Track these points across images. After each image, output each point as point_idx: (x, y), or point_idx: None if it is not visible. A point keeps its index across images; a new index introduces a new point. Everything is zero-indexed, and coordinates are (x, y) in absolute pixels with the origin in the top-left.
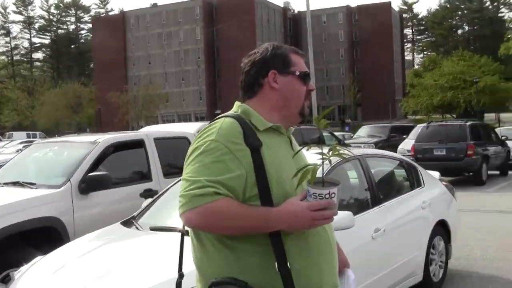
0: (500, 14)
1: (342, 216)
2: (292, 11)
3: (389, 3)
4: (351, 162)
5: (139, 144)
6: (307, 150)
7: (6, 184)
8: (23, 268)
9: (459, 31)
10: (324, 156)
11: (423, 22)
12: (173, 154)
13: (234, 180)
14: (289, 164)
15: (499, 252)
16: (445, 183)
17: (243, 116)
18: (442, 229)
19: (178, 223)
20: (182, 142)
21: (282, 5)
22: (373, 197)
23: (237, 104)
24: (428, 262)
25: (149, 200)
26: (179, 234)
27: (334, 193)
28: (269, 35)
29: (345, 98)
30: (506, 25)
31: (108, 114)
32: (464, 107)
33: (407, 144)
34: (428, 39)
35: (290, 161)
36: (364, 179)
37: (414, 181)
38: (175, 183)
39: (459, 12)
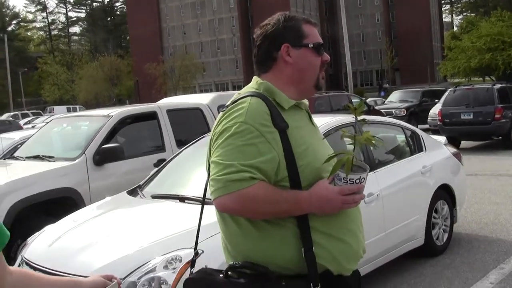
0: None
1: None
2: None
3: None
4: (347, 129)
5: (152, 116)
6: (341, 139)
7: (28, 158)
8: (35, 235)
9: None
10: (354, 141)
11: None
12: (186, 124)
13: (267, 164)
14: (314, 141)
15: None
16: (451, 148)
17: (267, 95)
18: (445, 194)
19: (180, 190)
20: (195, 113)
21: None
22: (367, 163)
23: (256, 80)
24: (430, 226)
25: (156, 169)
26: (178, 201)
27: (364, 178)
28: (303, 1)
29: (382, 62)
30: None
31: (146, 86)
32: (503, 69)
33: (437, 108)
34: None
35: (315, 137)
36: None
37: (415, 147)
38: (180, 152)
39: None
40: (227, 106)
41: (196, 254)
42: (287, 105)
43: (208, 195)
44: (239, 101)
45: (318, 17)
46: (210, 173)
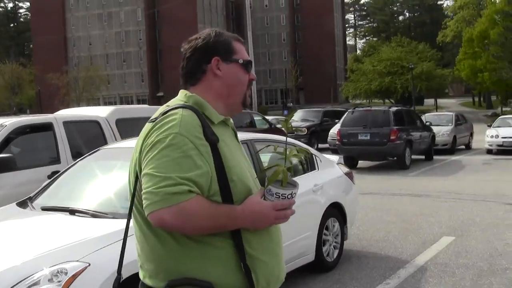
0: (439, 2)
1: None
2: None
3: None
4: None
5: (48, 127)
6: (275, 150)
7: None
8: None
9: (400, 18)
10: (284, 156)
11: (365, 8)
12: (83, 137)
13: (202, 177)
14: (241, 158)
15: (401, 234)
16: (344, 168)
17: (197, 108)
18: (337, 211)
19: (71, 203)
20: (93, 125)
21: None
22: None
23: (184, 93)
24: (321, 242)
25: (48, 181)
26: (68, 213)
27: (295, 193)
28: (210, 17)
29: (287, 81)
30: (445, 12)
31: (49, 96)
32: (401, 93)
33: (336, 128)
34: (370, 24)
35: (241, 155)
36: (251, 163)
37: (308, 165)
38: (74, 164)
39: None
40: (156, 118)
41: (121, 278)
42: (216, 120)
43: (140, 209)
44: (170, 112)
45: None
46: (144, 187)
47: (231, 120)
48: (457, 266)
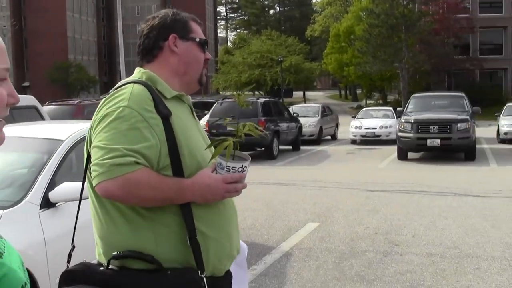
0: None
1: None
2: None
3: None
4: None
5: None
6: (225, 124)
7: None
8: None
9: (271, 11)
10: (238, 131)
11: (237, 1)
12: None
13: (150, 149)
14: (196, 133)
15: (268, 221)
16: None
17: (149, 83)
18: None
19: None
20: None
21: None
22: None
23: (139, 70)
24: None
25: None
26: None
27: (246, 166)
28: (80, 6)
29: None
30: (314, 8)
31: None
32: (271, 85)
33: (205, 119)
34: (241, 17)
35: (196, 131)
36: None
37: None
38: None
39: None
40: (109, 93)
41: (73, 248)
42: (169, 95)
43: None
44: (121, 87)
45: (96, 24)
46: (92, 159)
47: (188, 97)
48: (321, 250)
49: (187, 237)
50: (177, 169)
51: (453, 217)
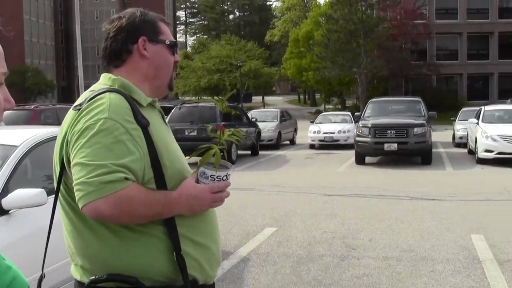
0: (268, 3)
1: (35, 193)
2: None
3: None
4: None
5: None
6: (208, 132)
7: None
8: None
9: (231, 16)
10: (219, 138)
11: (197, 6)
12: None
13: (136, 163)
14: (172, 141)
15: (226, 226)
16: None
17: (123, 91)
18: None
19: None
20: None
21: None
22: None
23: (108, 76)
24: None
25: None
26: None
27: (229, 174)
28: (37, 9)
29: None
30: (273, 13)
31: None
32: (230, 90)
33: None
34: (201, 22)
35: (171, 138)
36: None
37: None
38: None
39: None
40: (81, 104)
41: (44, 277)
42: (145, 102)
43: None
44: (97, 97)
45: (53, 27)
46: (76, 177)
47: (157, 103)
48: (278, 255)
49: (174, 253)
50: (160, 181)
51: (409, 220)
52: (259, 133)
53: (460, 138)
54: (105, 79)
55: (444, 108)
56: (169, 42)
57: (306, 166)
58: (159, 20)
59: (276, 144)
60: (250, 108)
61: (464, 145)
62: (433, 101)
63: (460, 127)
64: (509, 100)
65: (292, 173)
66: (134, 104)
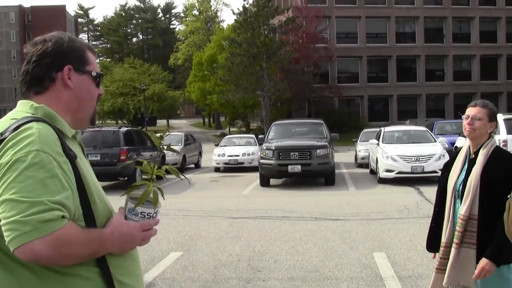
0: (171, 26)
1: None
2: None
3: (64, 7)
4: None
5: None
6: (143, 167)
7: None
8: None
9: (134, 39)
10: (151, 173)
11: (99, 28)
12: None
13: (69, 199)
14: (94, 175)
15: None
16: None
17: (48, 121)
18: None
19: None
20: None
21: None
22: None
23: (30, 104)
24: None
25: None
26: None
27: (158, 211)
28: None
29: (16, 100)
30: (177, 36)
31: None
32: (134, 113)
33: None
34: (104, 45)
35: (92, 171)
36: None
37: None
38: None
39: (134, 21)
40: (3, 134)
41: None
42: (70, 133)
43: None
44: (24, 127)
45: None
46: (5, 215)
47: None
48: (184, 280)
49: None
50: (90, 218)
51: (313, 241)
52: (163, 157)
53: (362, 158)
54: (25, 107)
55: (347, 129)
56: (95, 74)
57: (211, 189)
58: (87, 49)
59: (180, 168)
60: (155, 132)
61: (366, 165)
62: (336, 122)
63: (361, 148)
64: (407, 121)
65: (197, 196)
66: (61, 135)
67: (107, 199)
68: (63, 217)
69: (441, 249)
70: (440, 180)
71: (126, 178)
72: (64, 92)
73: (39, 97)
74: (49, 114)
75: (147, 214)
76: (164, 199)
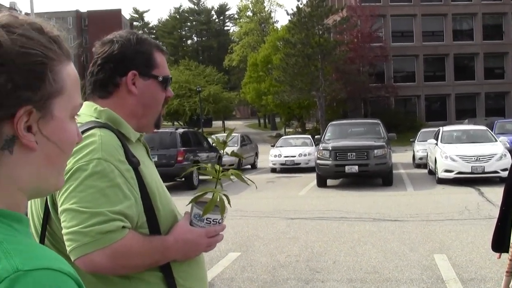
0: (226, 28)
1: None
2: (19, 12)
3: (119, 11)
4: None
5: None
6: (206, 171)
7: None
8: None
9: (189, 42)
10: (217, 178)
11: (154, 31)
12: None
13: (131, 209)
14: (159, 178)
15: None
16: None
17: (111, 125)
18: None
19: None
20: None
21: (8, 5)
22: None
23: (93, 106)
24: None
25: None
26: None
27: (225, 217)
28: None
29: None
30: (231, 38)
31: None
32: (190, 115)
33: None
34: None
35: (157, 175)
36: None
37: None
38: None
39: (188, 24)
40: None
41: None
42: (134, 138)
43: None
44: (87, 134)
45: None
46: (67, 225)
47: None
48: (243, 280)
49: None
50: (154, 225)
51: (372, 242)
52: (220, 157)
53: (420, 158)
54: (89, 109)
55: (403, 129)
56: (161, 79)
57: (268, 190)
58: (155, 50)
59: (237, 169)
60: (211, 133)
61: (424, 165)
62: (392, 122)
63: (419, 148)
64: (466, 120)
65: (254, 197)
66: (124, 140)
67: (172, 203)
68: (123, 227)
69: (511, 250)
70: (508, 179)
71: (183, 179)
72: (129, 98)
73: (103, 101)
74: (113, 118)
75: (213, 220)
76: (230, 206)
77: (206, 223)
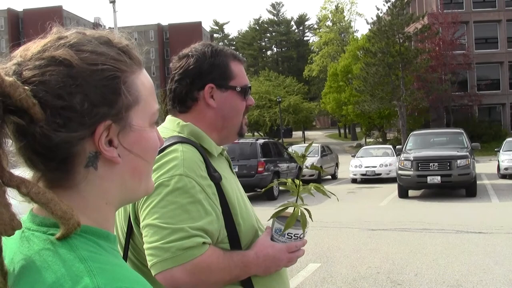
0: (305, 38)
1: None
2: (103, 26)
3: (200, 23)
4: None
5: None
6: (287, 186)
7: None
8: None
9: (269, 52)
10: (297, 191)
11: (234, 43)
12: None
13: (212, 225)
14: (242, 194)
15: None
16: None
17: (193, 140)
18: None
19: None
20: None
21: (92, 20)
22: None
23: (176, 121)
24: None
25: None
26: None
27: (307, 232)
28: None
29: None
30: (311, 48)
31: None
32: (270, 125)
33: None
34: None
35: (239, 189)
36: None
37: None
38: None
39: (268, 34)
40: None
41: None
42: (216, 152)
43: None
44: (169, 150)
45: None
46: (148, 240)
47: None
48: None
49: None
50: (235, 240)
51: (455, 254)
52: (300, 168)
53: (506, 169)
54: (172, 124)
55: (487, 138)
56: (239, 89)
57: (348, 201)
58: (232, 60)
59: (317, 179)
60: (291, 144)
61: (510, 176)
62: (475, 132)
63: (505, 158)
64: None
65: (334, 208)
66: (206, 155)
67: (253, 217)
68: (204, 243)
69: None
70: None
71: (263, 189)
72: (208, 111)
73: (184, 115)
74: (195, 133)
75: (294, 235)
76: (312, 220)
77: (287, 238)
